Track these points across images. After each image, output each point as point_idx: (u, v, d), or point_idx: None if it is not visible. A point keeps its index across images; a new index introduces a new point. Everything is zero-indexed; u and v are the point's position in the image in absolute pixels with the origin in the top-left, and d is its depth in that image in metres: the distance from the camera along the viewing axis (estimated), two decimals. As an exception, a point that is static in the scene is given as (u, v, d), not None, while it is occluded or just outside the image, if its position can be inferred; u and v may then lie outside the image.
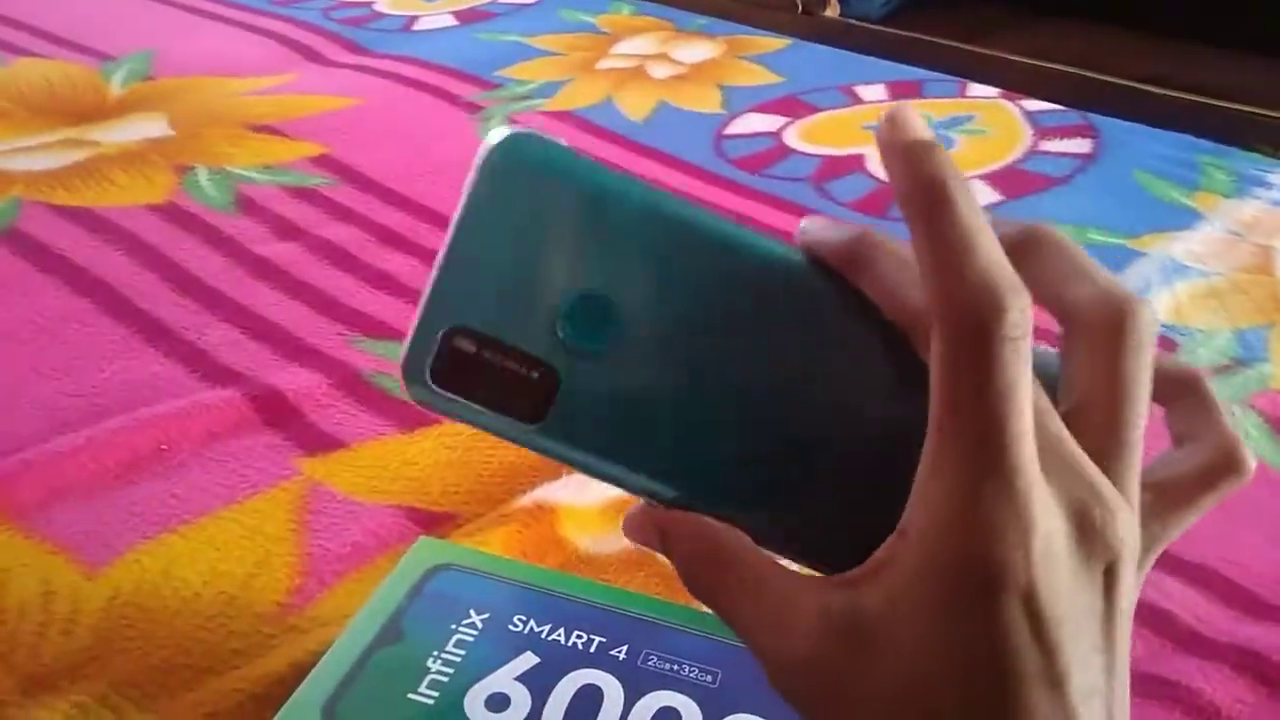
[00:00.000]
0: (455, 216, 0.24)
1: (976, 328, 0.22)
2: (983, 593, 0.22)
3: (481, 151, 0.24)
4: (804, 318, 0.26)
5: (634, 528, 0.27)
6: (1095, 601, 0.23)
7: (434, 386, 0.24)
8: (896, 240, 0.25)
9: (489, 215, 0.24)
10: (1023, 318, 0.22)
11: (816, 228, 0.26)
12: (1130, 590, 0.23)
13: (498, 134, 0.24)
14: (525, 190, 0.24)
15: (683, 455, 0.26)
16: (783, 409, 0.26)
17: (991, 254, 0.22)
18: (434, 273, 0.24)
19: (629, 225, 0.25)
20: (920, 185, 0.23)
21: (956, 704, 0.22)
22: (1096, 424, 0.24)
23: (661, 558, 0.48)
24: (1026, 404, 0.22)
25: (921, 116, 0.24)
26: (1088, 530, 0.23)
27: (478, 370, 0.24)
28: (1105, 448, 0.24)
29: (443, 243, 0.25)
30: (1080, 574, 0.22)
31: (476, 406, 0.25)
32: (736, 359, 0.25)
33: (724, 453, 0.26)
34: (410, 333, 0.25)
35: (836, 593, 0.24)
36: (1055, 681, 0.22)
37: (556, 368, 0.25)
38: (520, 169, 0.24)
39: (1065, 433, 0.23)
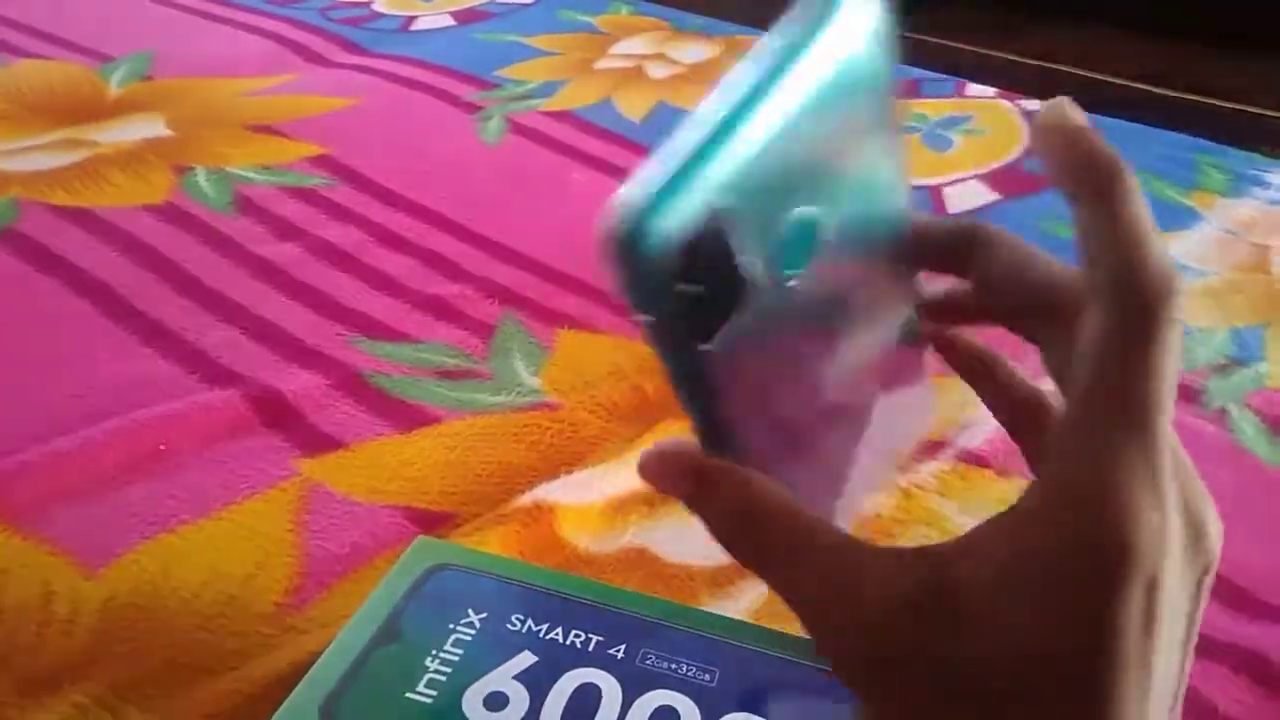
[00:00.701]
0: (799, 87, 0.20)
1: (1149, 308, 0.22)
2: (1111, 574, 0.21)
3: (867, 22, 0.21)
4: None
5: (659, 470, 0.25)
6: (1185, 601, 0.23)
7: (673, 258, 0.19)
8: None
9: (828, 105, 0.21)
10: (1181, 302, 0.22)
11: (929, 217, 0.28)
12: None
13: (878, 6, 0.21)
14: (870, 92, 0.21)
15: (785, 413, 0.24)
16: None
17: (1160, 236, 0.23)
18: (739, 135, 0.19)
19: (880, 180, 0.23)
20: (1096, 164, 0.23)
21: (1054, 683, 0.21)
22: None
23: (662, 555, 0.48)
24: (1173, 393, 0.22)
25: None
26: (1199, 532, 0.23)
27: (705, 263, 0.20)
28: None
29: (758, 101, 0.20)
30: (1186, 572, 0.23)
31: (681, 307, 0.20)
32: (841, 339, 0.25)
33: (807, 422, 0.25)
34: (656, 179, 0.19)
35: (919, 563, 0.23)
36: (1144, 672, 0.22)
37: (749, 286, 0.21)
38: (881, 68, 0.21)
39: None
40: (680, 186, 0.19)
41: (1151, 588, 0.21)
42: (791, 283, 0.22)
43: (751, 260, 0.20)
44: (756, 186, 0.20)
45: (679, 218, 0.18)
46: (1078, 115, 0.24)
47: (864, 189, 0.24)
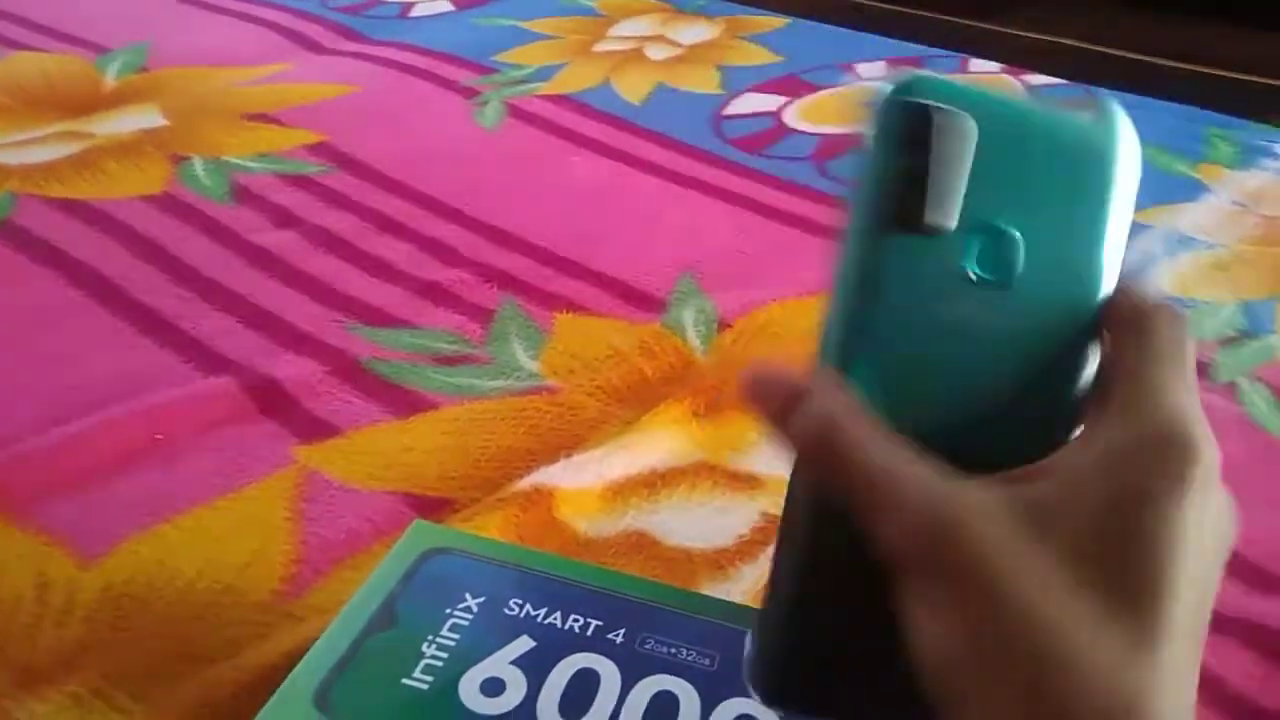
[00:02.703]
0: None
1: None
2: (1180, 463, 0.23)
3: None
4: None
5: (762, 389, 0.27)
6: (1223, 543, 0.25)
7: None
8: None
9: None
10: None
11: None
12: None
13: None
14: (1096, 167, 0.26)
15: None
16: None
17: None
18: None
19: None
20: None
21: (1121, 564, 0.23)
22: None
23: (661, 539, 0.47)
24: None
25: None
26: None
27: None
28: None
29: None
30: (1225, 519, 0.25)
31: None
32: None
33: None
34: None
35: (1008, 485, 0.24)
36: (1196, 588, 0.23)
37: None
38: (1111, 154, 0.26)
39: None
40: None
41: (1206, 486, 0.23)
42: (970, 274, 0.25)
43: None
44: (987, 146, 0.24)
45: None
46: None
47: (1058, 246, 0.26)
